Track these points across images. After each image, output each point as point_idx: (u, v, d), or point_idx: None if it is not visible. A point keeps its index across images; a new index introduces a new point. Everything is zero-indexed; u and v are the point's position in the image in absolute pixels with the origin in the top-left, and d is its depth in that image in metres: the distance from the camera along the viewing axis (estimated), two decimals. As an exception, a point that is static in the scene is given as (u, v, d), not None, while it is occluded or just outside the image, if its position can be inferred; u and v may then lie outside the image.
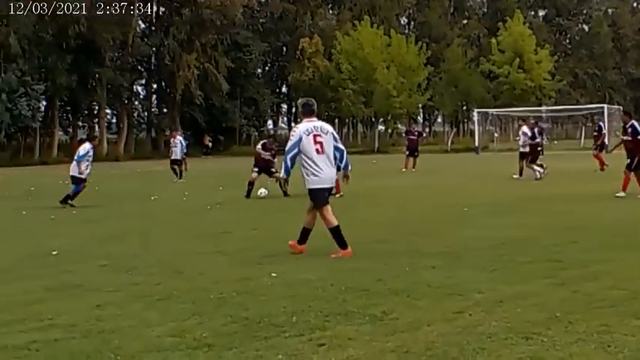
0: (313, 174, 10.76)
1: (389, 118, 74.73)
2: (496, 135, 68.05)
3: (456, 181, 26.24)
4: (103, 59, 64.84)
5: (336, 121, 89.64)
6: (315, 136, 10.76)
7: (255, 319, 7.05)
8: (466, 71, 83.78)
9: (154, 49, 72.07)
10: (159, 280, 9.26)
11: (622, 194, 18.20)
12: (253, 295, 8.12)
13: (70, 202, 20.34)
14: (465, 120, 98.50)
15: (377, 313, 7.15)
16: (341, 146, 11.16)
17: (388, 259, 10.26)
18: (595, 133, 32.62)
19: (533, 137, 27.76)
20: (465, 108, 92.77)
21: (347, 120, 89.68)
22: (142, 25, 75.52)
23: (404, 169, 33.43)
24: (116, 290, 8.66)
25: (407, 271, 9.30)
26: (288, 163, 10.87)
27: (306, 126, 10.89)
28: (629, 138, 18.69)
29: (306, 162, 10.76)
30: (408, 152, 34.71)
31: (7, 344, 6.49)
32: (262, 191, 21.68)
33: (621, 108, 67.57)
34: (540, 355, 5.79)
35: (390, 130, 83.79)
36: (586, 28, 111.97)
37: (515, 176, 27.33)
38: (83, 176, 20.76)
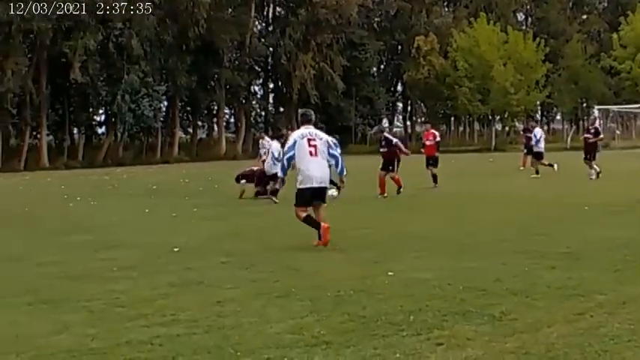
0: (302, 175, 11.89)
1: (506, 115, 73.64)
2: (618, 132, 66.22)
3: (576, 180, 25.67)
4: (221, 60, 66.04)
5: (452, 119, 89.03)
6: (309, 140, 11.87)
7: (373, 318, 7.07)
8: (586, 67, 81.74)
9: (270, 49, 72.95)
10: (277, 277, 9.37)
11: None
12: (370, 294, 8.14)
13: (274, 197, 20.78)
14: (585, 117, 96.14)
15: (495, 314, 7.08)
16: (336, 153, 12.13)
17: (507, 258, 10.14)
18: None
19: (596, 134, 27.35)
20: (584, 105, 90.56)
21: (463, 118, 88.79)
22: (259, 26, 76.57)
23: (522, 168, 32.91)
24: (236, 287, 8.80)
25: (526, 271, 9.17)
26: (285, 163, 12.12)
27: (302, 132, 12.08)
28: None
29: (299, 163, 11.88)
30: (525, 150, 34.14)
31: (131, 339, 6.68)
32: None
33: None
34: (665, 359, 5.64)
35: (507, 128, 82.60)
36: None
37: (532, 176, 27.22)
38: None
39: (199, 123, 75.77)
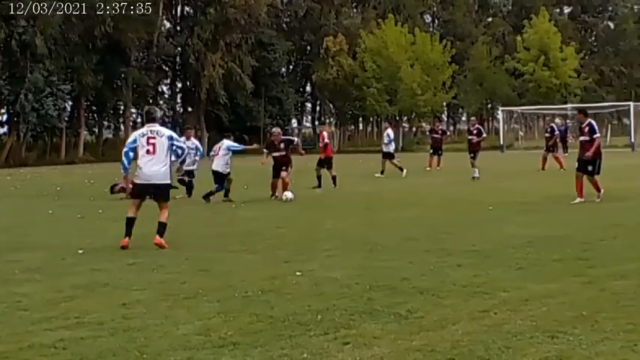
0: (137, 170, 12.32)
1: (413, 116, 74.57)
2: (521, 133, 67.72)
3: (481, 180, 26.11)
4: (128, 59, 65.17)
5: (361, 119, 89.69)
6: (148, 138, 12.21)
7: (281, 318, 7.09)
8: (491, 69, 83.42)
9: (179, 48, 72.30)
10: (185, 278, 9.31)
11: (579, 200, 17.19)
12: (279, 294, 8.17)
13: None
14: (490, 118, 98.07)
15: (402, 312, 7.17)
16: (182, 145, 12.74)
17: (414, 257, 10.27)
18: (547, 135, 32.06)
19: (479, 134, 27.94)
20: (489, 106, 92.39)
21: (371, 118, 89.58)
22: (167, 25, 75.84)
23: (428, 168, 33.32)
24: (143, 289, 8.72)
25: (433, 270, 9.31)
26: (124, 160, 12.33)
27: (143, 130, 12.51)
28: (587, 138, 17.37)
29: (138, 160, 12.26)
30: (432, 151, 34.61)
31: (34, 342, 6.55)
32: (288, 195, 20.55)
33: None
34: (566, 354, 5.79)
35: (414, 129, 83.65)
36: (612, 25, 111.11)
37: (377, 175, 27.94)
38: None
39: (105, 123, 74.61)
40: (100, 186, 28.19)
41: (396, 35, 69.89)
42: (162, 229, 12.15)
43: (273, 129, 23.45)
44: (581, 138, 17.82)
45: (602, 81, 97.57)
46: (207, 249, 11.77)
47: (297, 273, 9.26)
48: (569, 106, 67.54)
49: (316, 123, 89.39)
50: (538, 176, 27.46)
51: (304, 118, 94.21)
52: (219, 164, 20.85)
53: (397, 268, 9.47)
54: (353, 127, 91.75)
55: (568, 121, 53.14)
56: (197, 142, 24.81)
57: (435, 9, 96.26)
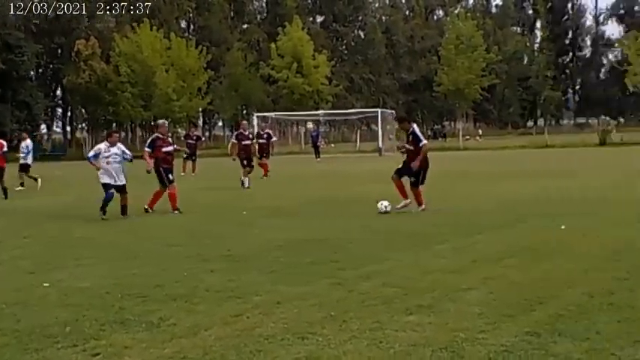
0: None
1: (169, 121, 74.07)
2: (274, 139, 69.06)
3: (235, 185, 26.27)
4: None
5: (115, 124, 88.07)
6: None
7: (27, 331, 6.82)
8: (246, 75, 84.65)
9: None
10: None
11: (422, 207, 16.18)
12: (25, 306, 7.85)
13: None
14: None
15: (154, 320, 7.08)
16: None
17: (168, 264, 10.18)
18: (262, 141, 31.98)
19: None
20: (245, 112, 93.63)
21: (126, 124, 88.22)
22: None
23: (182, 173, 33.10)
24: None
25: (186, 276, 9.25)
26: None
27: None
28: (412, 147, 16.23)
29: None
30: (186, 156, 34.39)
31: None
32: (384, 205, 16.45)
33: (394, 113, 70.58)
34: (316, 355, 5.92)
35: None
36: (361, 34, 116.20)
37: (17, 188, 27.28)
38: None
39: None
40: None
41: (151, 40, 69.37)
42: None
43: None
44: (408, 146, 16.42)
45: (352, 88, 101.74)
46: (-53, 261, 11.08)
47: (45, 284, 8.91)
48: (321, 112, 69.71)
49: (68, 128, 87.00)
50: (290, 181, 28.02)
51: (54, 123, 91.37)
52: None
53: (150, 276, 9.34)
54: (104, 133, 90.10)
55: (320, 127, 54.65)
56: None
57: (190, 14, 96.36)
